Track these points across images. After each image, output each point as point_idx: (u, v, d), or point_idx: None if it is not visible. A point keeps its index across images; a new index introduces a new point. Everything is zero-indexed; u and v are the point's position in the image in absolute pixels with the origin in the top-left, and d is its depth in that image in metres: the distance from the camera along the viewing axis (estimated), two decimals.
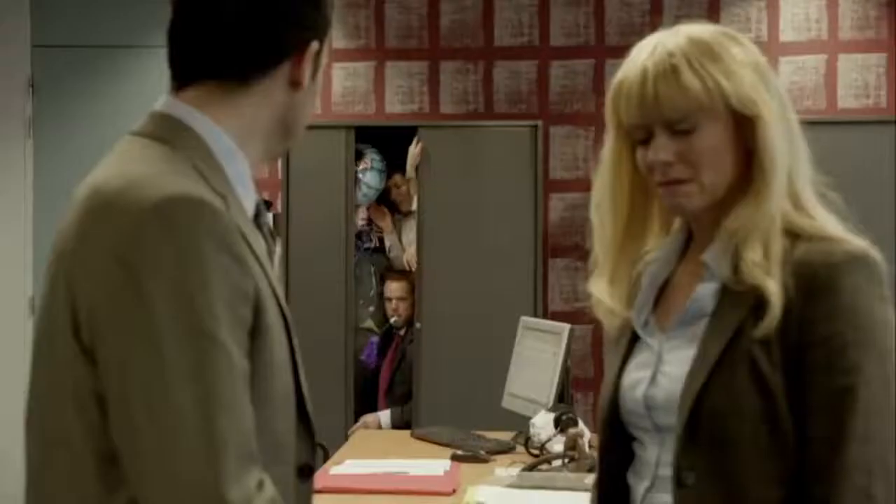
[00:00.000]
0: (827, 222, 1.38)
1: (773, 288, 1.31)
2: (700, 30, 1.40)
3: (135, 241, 1.09)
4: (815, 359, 1.30)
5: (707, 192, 1.38)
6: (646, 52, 1.39)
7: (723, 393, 1.31)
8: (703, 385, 1.33)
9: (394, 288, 5.09)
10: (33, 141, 5.33)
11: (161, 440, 1.07)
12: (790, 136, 1.39)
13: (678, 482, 1.34)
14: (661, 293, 1.49)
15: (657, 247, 1.50)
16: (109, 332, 1.10)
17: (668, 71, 1.36)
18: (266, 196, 5.31)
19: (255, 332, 1.15)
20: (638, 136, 1.41)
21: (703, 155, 1.37)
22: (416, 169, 5.15)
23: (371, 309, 5.33)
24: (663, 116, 1.37)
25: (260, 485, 1.11)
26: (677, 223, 1.50)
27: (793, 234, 1.36)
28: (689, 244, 1.49)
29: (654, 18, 5.24)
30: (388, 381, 5.04)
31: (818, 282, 1.31)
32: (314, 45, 1.27)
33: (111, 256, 1.10)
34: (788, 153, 1.38)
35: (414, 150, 5.13)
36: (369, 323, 5.32)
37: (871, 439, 1.29)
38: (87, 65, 5.30)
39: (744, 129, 1.37)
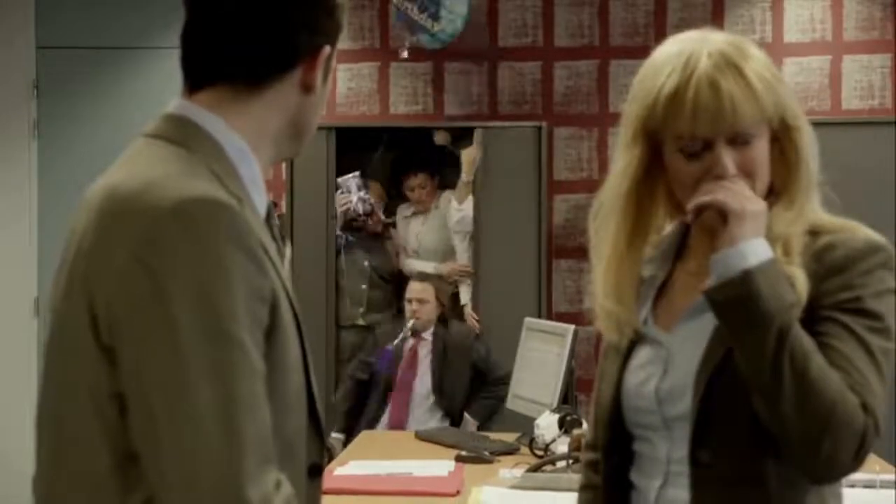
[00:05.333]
0: (833, 217, 1.40)
1: (798, 273, 1.33)
2: (724, 35, 1.39)
3: (155, 242, 1.10)
4: (831, 319, 1.32)
5: None
6: (703, 61, 1.34)
7: (738, 371, 1.32)
8: (718, 365, 1.35)
9: (415, 289, 4.72)
10: (38, 142, 5.34)
11: (181, 441, 1.08)
12: None
13: (694, 461, 1.36)
14: (659, 292, 1.49)
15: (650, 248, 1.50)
16: (129, 333, 1.11)
17: (739, 78, 1.33)
18: (271, 197, 5.31)
19: (271, 332, 1.16)
20: (691, 148, 1.36)
21: (759, 165, 1.37)
22: (475, 172, 5.15)
23: (361, 310, 5.25)
24: (735, 127, 1.34)
25: (277, 484, 1.12)
26: (669, 225, 1.50)
27: (811, 232, 1.38)
28: (684, 243, 1.49)
29: (658, 20, 5.24)
30: (432, 388, 4.61)
31: (837, 262, 1.34)
32: (326, 49, 1.27)
33: (131, 257, 1.11)
34: None
35: (472, 153, 5.13)
36: (361, 322, 5.26)
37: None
38: (91, 66, 5.30)
39: (778, 137, 1.38)
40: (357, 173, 5.17)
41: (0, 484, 5.13)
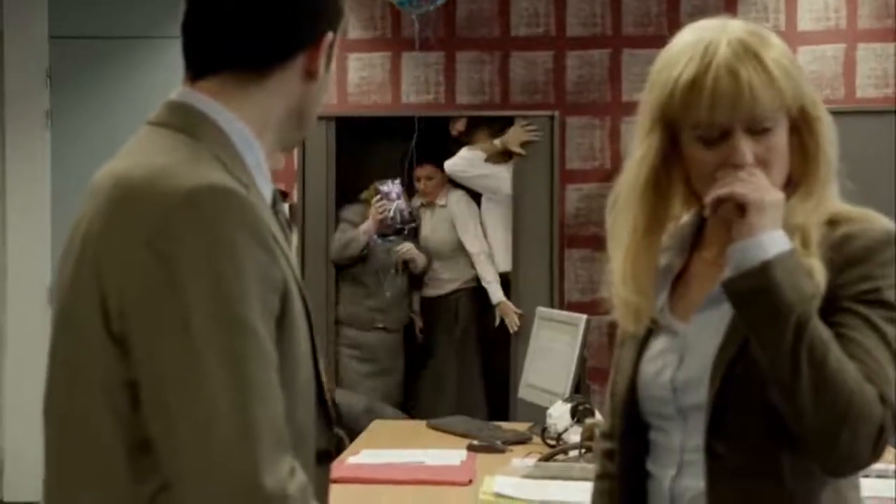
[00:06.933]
0: (851, 207, 1.40)
1: (816, 265, 1.32)
2: (743, 23, 1.39)
3: (167, 231, 1.10)
4: (850, 311, 1.32)
5: None
6: (722, 48, 1.33)
7: (755, 362, 1.32)
8: (735, 355, 1.35)
9: None
10: (51, 132, 5.35)
11: (196, 429, 1.08)
12: None
13: (710, 453, 1.36)
14: (675, 282, 1.48)
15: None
16: (142, 322, 1.11)
17: (758, 66, 1.33)
18: (282, 187, 5.32)
19: (282, 320, 1.16)
20: (709, 137, 1.35)
21: (778, 155, 1.36)
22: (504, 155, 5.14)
23: (380, 315, 5.16)
24: (754, 115, 1.33)
25: (292, 471, 1.12)
26: (686, 214, 1.50)
27: (829, 222, 1.37)
28: (701, 233, 1.49)
29: (671, 8, 5.22)
30: None
31: (856, 253, 1.34)
32: (329, 35, 1.27)
33: (143, 246, 1.10)
34: None
35: (519, 137, 5.11)
36: (382, 325, 5.18)
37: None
38: (104, 56, 5.31)
39: (797, 127, 1.38)
40: (398, 180, 5.10)
41: (14, 474, 5.16)
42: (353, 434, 3.92)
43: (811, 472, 1.33)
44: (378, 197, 5.07)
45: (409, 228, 5.17)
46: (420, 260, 5.22)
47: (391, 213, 5.06)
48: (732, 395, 1.35)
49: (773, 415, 1.31)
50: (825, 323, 1.30)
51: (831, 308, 1.32)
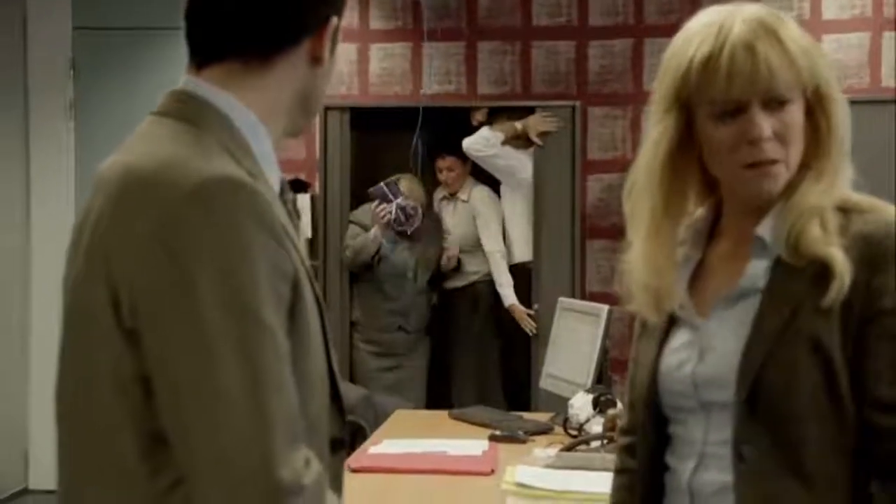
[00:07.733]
0: (861, 195, 1.38)
1: (839, 257, 1.30)
2: (757, 5, 1.38)
3: (177, 224, 1.10)
4: (885, 327, 1.30)
5: (790, 172, 1.36)
6: (737, 26, 1.33)
7: (783, 367, 1.31)
8: (763, 360, 1.33)
9: None
10: (75, 123, 5.38)
11: (211, 422, 1.08)
12: None
13: (738, 456, 1.35)
14: (692, 277, 1.47)
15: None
16: (155, 316, 1.10)
17: (775, 42, 1.32)
18: (303, 177, 5.32)
19: (293, 311, 1.15)
20: (724, 113, 1.34)
21: (794, 131, 1.35)
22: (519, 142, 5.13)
23: (402, 319, 5.12)
24: (771, 90, 1.32)
25: (307, 462, 1.11)
26: (699, 207, 1.49)
27: (842, 209, 1.36)
28: (715, 226, 1.48)
29: None
30: None
31: (884, 253, 1.31)
32: (333, 20, 1.26)
33: (153, 239, 1.10)
34: None
35: (539, 125, 5.10)
36: (408, 327, 5.15)
37: None
38: (127, 47, 5.33)
39: (811, 108, 1.36)
40: (394, 178, 5.01)
41: (40, 463, 5.20)
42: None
43: (840, 475, 1.32)
44: (377, 202, 4.99)
45: (417, 225, 5.04)
46: (454, 259, 5.22)
47: (393, 215, 4.96)
48: (760, 401, 1.33)
49: (801, 422, 1.31)
50: (862, 332, 1.29)
51: (868, 316, 1.30)
